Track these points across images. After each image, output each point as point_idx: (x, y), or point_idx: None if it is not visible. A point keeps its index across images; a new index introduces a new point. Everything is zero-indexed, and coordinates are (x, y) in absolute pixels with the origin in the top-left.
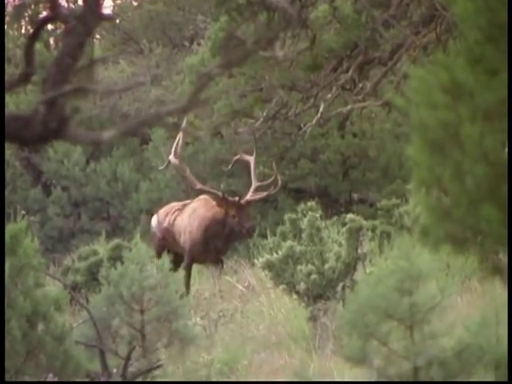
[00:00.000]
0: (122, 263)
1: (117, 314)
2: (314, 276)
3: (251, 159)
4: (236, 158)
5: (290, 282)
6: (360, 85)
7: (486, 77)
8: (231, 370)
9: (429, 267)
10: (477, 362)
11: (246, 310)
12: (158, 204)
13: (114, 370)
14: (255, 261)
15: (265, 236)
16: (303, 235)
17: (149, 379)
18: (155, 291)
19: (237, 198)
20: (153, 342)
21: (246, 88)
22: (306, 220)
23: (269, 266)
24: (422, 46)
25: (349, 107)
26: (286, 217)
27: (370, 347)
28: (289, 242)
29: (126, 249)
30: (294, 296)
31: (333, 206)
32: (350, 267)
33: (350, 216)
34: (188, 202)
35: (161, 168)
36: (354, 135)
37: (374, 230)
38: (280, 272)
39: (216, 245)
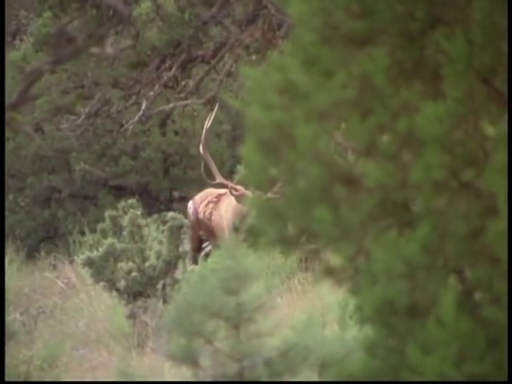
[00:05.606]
0: None
1: None
2: (134, 273)
3: None
4: None
5: (110, 280)
6: (183, 83)
7: (321, 78)
8: (51, 366)
9: (254, 267)
10: (302, 361)
11: (65, 306)
12: None
13: None
14: (75, 257)
15: (84, 233)
16: (124, 233)
17: None
18: None
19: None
20: None
21: (69, 84)
22: (126, 217)
23: (89, 262)
24: (245, 45)
25: (171, 105)
26: (107, 214)
27: (196, 346)
28: (109, 240)
29: None
30: (114, 293)
31: (154, 203)
32: (170, 265)
33: (171, 214)
34: (222, 192)
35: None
36: (176, 133)
37: None
38: (100, 269)
39: None
